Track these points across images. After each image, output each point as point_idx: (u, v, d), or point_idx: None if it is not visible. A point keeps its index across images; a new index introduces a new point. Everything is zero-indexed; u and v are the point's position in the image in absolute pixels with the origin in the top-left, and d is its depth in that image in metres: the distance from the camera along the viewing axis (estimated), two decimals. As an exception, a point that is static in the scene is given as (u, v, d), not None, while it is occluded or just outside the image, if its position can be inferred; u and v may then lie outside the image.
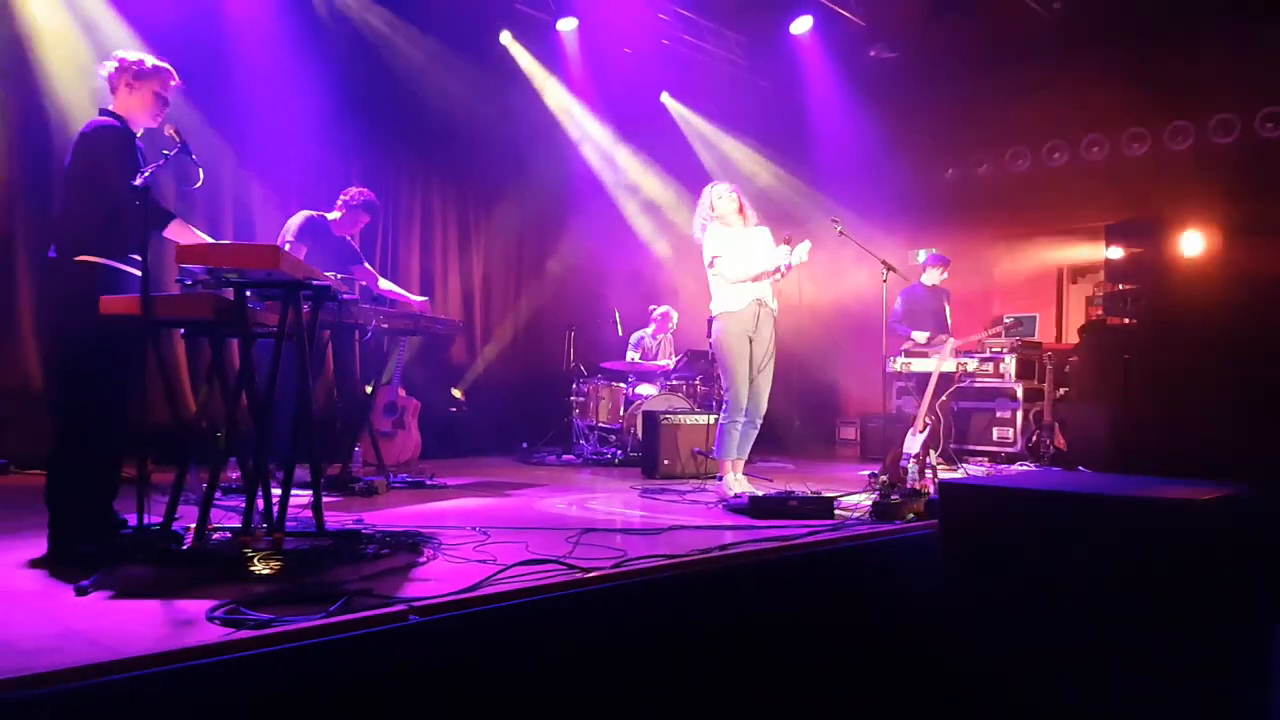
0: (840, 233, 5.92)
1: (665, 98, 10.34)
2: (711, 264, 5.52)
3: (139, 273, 3.30)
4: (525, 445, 8.55)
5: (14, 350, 5.63)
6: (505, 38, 8.97)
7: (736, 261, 5.46)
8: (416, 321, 5.99)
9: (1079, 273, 9.85)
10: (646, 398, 7.87)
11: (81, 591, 2.76)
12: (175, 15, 6.19)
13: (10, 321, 5.66)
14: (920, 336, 7.84)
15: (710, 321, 5.71)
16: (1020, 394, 7.91)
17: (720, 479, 5.49)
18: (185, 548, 3.30)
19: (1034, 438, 7.85)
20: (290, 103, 7.11)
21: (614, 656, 2.95)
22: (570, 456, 8.04)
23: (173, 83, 3.72)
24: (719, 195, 5.60)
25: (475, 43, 8.75)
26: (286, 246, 5.31)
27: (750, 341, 5.46)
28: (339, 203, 5.85)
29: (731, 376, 5.46)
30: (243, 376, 3.56)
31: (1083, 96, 9.09)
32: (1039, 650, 3.34)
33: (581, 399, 8.27)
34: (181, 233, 3.71)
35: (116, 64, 3.65)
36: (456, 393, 7.98)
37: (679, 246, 10.24)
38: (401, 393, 6.52)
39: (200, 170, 3.49)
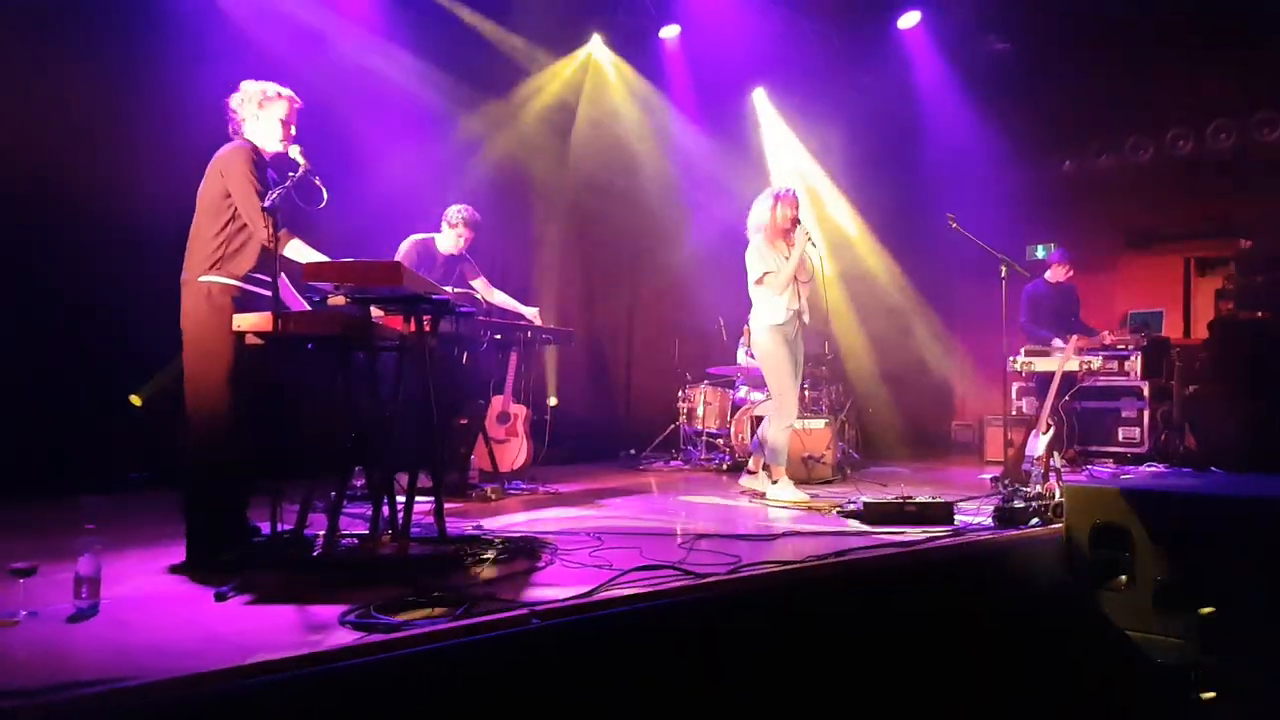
0: (955, 228, 5.80)
1: (757, 95, 10.26)
2: (761, 280, 5.61)
3: (267, 292, 3.44)
4: (633, 451, 8.59)
5: (150, 368, 5.96)
6: (596, 43, 9.02)
7: (781, 274, 5.56)
8: (527, 331, 6.09)
9: (1207, 265, 9.36)
10: (754, 402, 7.82)
11: (221, 597, 2.89)
12: (291, 44, 6.45)
13: (143, 340, 6.00)
14: (1058, 343, 7.55)
15: (750, 332, 5.89)
16: (1147, 393, 7.59)
17: (775, 483, 5.59)
18: (316, 554, 3.43)
19: (1162, 437, 7.51)
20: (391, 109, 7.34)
21: (731, 661, 2.94)
22: (678, 462, 8.05)
23: (295, 107, 3.87)
24: (785, 204, 5.64)
25: (571, 47, 8.90)
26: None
27: (789, 348, 5.62)
28: (443, 223, 5.96)
29: (783, 386, 5.63)
30: (368, 388, 3.68)
31: (1206, 81, 8.66)
32: (1187, 654, 3.20)
33: (688, 405, 8.26)
34: (300, 252, 3.86)
35: (242, 93, 3.82)
36: (552, 401, 8.06)
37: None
38: (513, 401, 6.64)
39: (324, 191, 3.62)
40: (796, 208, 5.68)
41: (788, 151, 10.30)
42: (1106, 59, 9.01)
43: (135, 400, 5.95)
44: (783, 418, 5.59)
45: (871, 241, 10.29)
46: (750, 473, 5.91)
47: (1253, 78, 8.35)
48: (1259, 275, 7.69)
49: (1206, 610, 3.15)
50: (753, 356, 8.59)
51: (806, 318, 5.75)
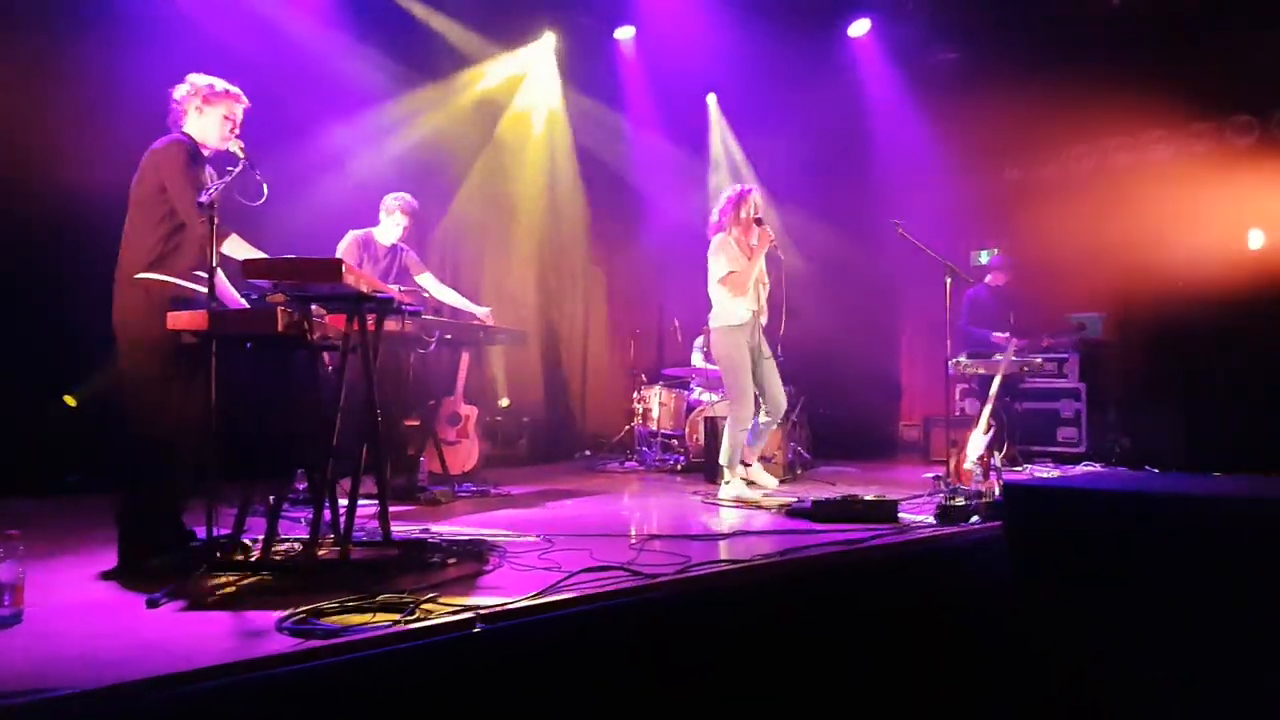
0: (901, 234, 5.86)
1: (710, 100, 10.30)
2: (723, 280, 5.58)
3: (204, 289, 3.36)
4: (587, 453, 8.57)
5: (83, 368, 5.81)
6: (549, 40, 8.97)
7: (744, 275, 5.56)
8: (479, 331, 6.03)
9: (1144, 271, 9.56)
10: (708, 403, 7.84)
11: (153, 604, 2.81)
12: (237, 32, 6.32)
13: (78, 340, 5.85)
14: (999, 336, 7.63)
15: (708, 333, 5.84)
16: (1084, 394, 7.75)
17: (727, 483, 5.59)
18: (254, 559, 3.36)
19: (1100, 438, 7.67)
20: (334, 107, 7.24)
21: (679, 662, 2.93)
22: (633, 463, 8.04)
23: (240, 105, 3.78)
24: (750, 203, 5.63)
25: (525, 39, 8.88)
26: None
27: (749, 350, 5.61)
28: (380, 213, 5.87)
29: (739, 387, 5.59)
30: (309, 389, 3.61)
31: (1146, 93, 8.86)
32: (1108, 653, 3.24)
33: (644, 406, 8.26)
34: (238, 249, 3.78)
35: (189, 86, 3.73)
36: (504, 402, 8.00)
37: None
38: (464, 402, 6.58)
39: (265, 186, 3.54)
40: (758, 207, 5.65)
41: (739, 155, 10.36)
42: (1051, 70, 9.18)
43: (69, 401, 5.80)
44: (738, 420, 5.59)
45: (821, 246, 10.38)
46: (745, 463, 5.81)
47: (1189, 90, 8.56)
48: (1194, 282, 7.87)
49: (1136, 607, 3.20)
50: (708, 358, 8.64)
51: (765, 319, 5.75)
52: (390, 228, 5.82)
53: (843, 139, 10.05)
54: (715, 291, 5.67)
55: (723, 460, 5.68)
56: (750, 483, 5.72)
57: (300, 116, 6.84)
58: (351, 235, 5.80)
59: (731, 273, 5.55)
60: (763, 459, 6.66)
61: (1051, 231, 9.74)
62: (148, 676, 2.10)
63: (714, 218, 5.75)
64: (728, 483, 5.60)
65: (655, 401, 8.19)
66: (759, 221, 5.62)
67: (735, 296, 5.58)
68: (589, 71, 9.23)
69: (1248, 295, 7.22)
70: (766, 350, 5.74)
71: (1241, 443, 6.63)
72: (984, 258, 9.05)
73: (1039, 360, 7.32)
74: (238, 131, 3.74)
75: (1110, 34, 8.58)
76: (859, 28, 9.28)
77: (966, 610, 3.75)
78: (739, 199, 5.65)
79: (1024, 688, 3.46)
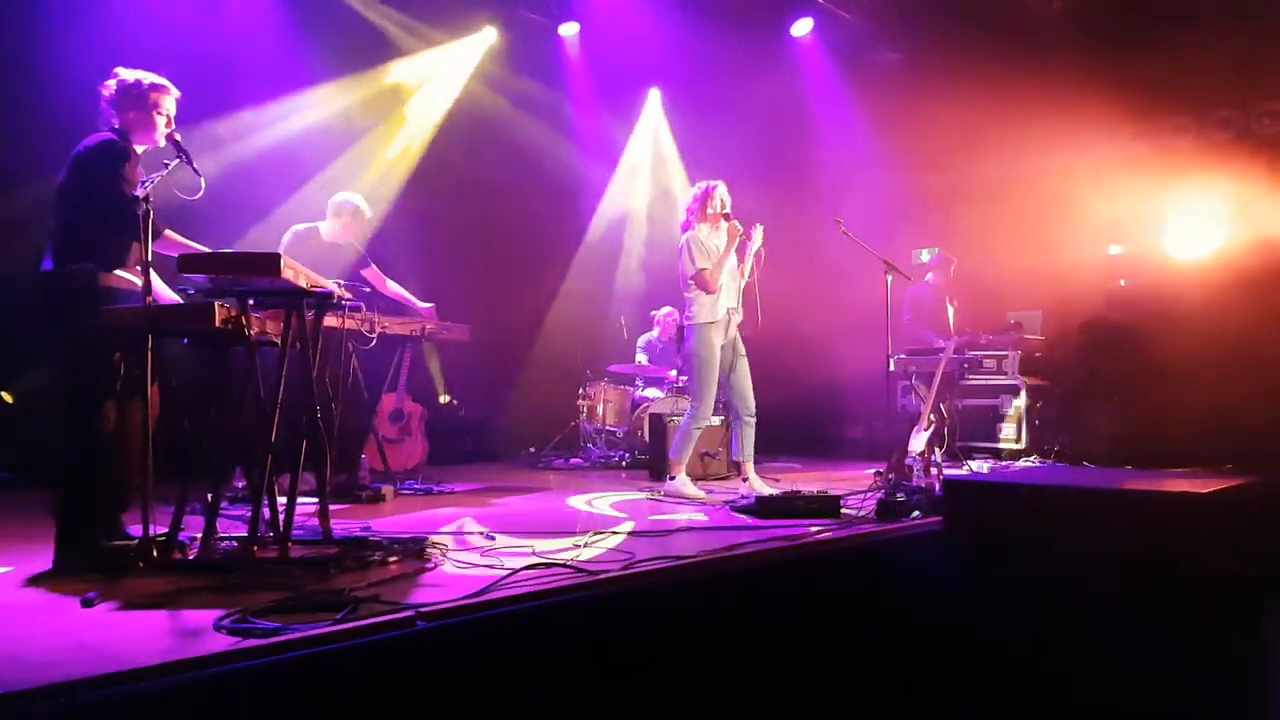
0: (843, 232, 5.92)
1: (653, 96, 10.33)
2: (697, 276, 5.53)
3: (138, 284, 3.30)
4: (533, 450, 8.56)
5: (18, 365, 5.67)
6: (489, 34, 8.92)
7: (717, 270, 5.52)
8: (422, 327, 5.99)
9: (1081, 269, 9.80)
10: (653, 400, 7.87)
11: (88, 603, 2.76)
12: (177, 24, 6.21)
13: (13, 337, 5.72)
14: (942, 343, 7.74)
15: (683, 329, 5.81)
16: (1024, 391, 7.91)
17: (673, 479, 5.60)
18: (192, 558, 3.32)
19: (1037, 434, 7.84)
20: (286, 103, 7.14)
21: (623, 659, 2.94)
22: (578, 460, 8.04)
23: (171, 98, 3.71)
24: (716, 198, 5.59)
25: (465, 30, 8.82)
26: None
27: (722, 349, 5.60)
28: (328, 209, 5.83)
29: (705, 385, 5.58)
30: (247, 386, 3.56)
31: (1083, 95, 9.07)
32: (1045, 643, 3.33)
33: (589, 402, 8.27)
34: (174, 245, 3.72)
35: (116, 83, 3.65)
36: (444, 398, 7.95)
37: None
38: (407, 399, 6.53)
39: (202, 180, 3.49)
40: (724, 202, 5.60)
41: (682, 152, 10.41)
42: (991, 71, 9.35)
43: (6, 397, 5.66)
44: (698, 417, 5.57)
45: (764, 243, 10.45)
46: (745, 479, 5.74)
47: (1128, 93, 8.78)
48: (1128, 279, 8.08)
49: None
50: (651, 355, 8.68)
51: (739, 316, 5.70)
52: (336, 225, 5.78)
53: (785, 137, 10.16)
54: (688, 290, 5.62)
55: (671, 454, 5.67)
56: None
57: (234, 106, 6.73)
58: (294, 230, 5.74)
59: (701, 270, 5.51)
60: (707, 455, 6.73)
61: (991, 230, 9.94)
62: (81, 677, 2.06)
63: (681, 215, 5.70)
64: (672, 478, 5.61)
65: (600, 398, 8.20)
66: (727, 216, 5.56)
67: (707, 294, 5.53)
68: (533, 66, 9.19)
69: (1182, 294, 7.43)
70: (741, 349, 5.72)
71: (1176, 439, 6.82)
72: (924, 256, 9.19)
73: (978, 357, 7.46)
74: (172, 125, 3.67)
75: (1050, 36, 8.77)
76: (802, 27, 9.36)
77: (908, 603, 3.82)
78: (705, 195, 5.61)
79: (964, 678, 3.54)
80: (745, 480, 5.62)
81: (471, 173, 9.16)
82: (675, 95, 10.32)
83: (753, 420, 5.70)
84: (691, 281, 5.57)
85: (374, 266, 5.94)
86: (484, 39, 8.85)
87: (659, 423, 6.83)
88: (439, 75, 8.71)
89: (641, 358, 8.69)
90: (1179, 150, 8.67)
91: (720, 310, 5.56)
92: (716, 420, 6.96)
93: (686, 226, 5.67)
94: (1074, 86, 9.08)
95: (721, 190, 5.64)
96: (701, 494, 5.53)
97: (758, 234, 5.59)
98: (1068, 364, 8.00)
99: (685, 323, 5.71)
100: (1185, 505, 3.17)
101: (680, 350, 8.69)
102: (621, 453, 7.97)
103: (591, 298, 10.04)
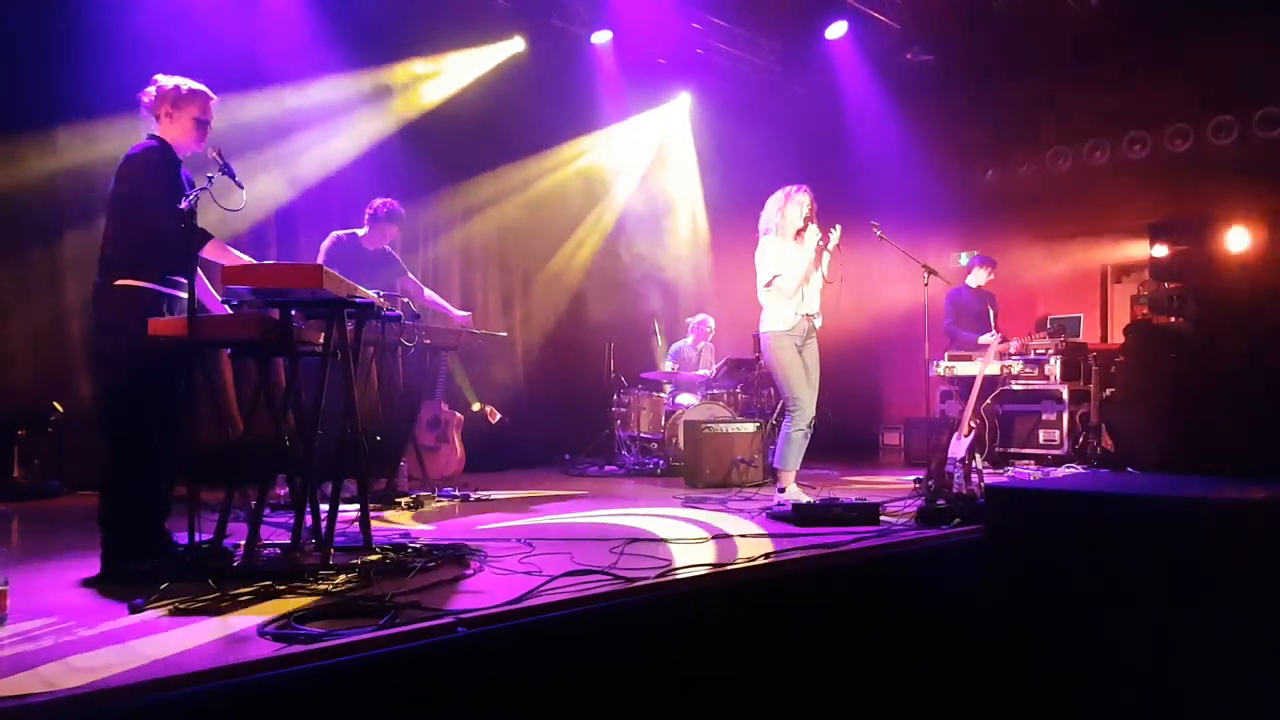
0: (880, 236, 5.87)
1: (684, 101, 10.33)
2: (770, 283, 5.42)
3: (184, 295, 3.35)
4: (568, 457, 8.58)
5: (69, 375, 5.80)
6: (523, 43, 8.96)
7: (793, 277, 5.38)
8: (459, 336, 6.03)
9: (1123, 272, 9.69)
10: (687, 407, 7.86)
11: (135, 609, 2.80)
12: (216, 31, 6.31)
13: (66, 346, 5.85)
14: (986, 338, 7.63)
15: (758, 338, 5.63)
16: (1066, 396, 7.80)
17: (782, 489, 5.42)
18: (236, 564, 3.36)
19: (1080, 440, 7.73)
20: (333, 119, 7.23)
21: (661, 665, 2.94)
22: (613, 468, 8.05)
23: (212, 104, 3.75)
24: (797, 204, 5.46)
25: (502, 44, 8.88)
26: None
27: (800, 353, 5.45)
28: (366, 216, 5.88)
29: (796, 386, 5.41)
30: (289, 394, 3.61)
31: (1123, 94, 8.96)
32: (1088, 655, 3.28)
33: (623, 410, 8.27)
34: (219, 253, 3.76)
35: (155, 90, 3.68)
36: (476, 406, 7.98)
37: (718, 254, 10.28)
38: (444, 407, 6.57)
39: (243, 192, 3.54)
40: (808, 207, 5.47)
41: (716, 157, 10.41)
42: (1027, 72, 9.27)
43: (56, 406, 5.77)
44: (798, 421, 5.40)
45: (840, 242, 10.43)
46: (782, 488, 5.55)
47: (1167, 92, 8.66)
48: (1173, 281, 7.95)
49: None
50: (676, 364, 8.67)
51: (819, 322, 5.56)
52: (375, 232, 5.83)
53: (821, 141, 10.12)
54: (763, 295, 5.50)
55: (778, 464, 5.47)
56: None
57: (272, 116, 6.83)
58: (334, 236, 5.80)
59: (777, 276, 5.39)
60: (742, 461, 6.70)
61: (1031, 232, 9.84)
62: (130, 682, 2.10)
63: (762, 220, 5.57)
64: (782, 489, 5.43)
65: (634, 405, 8.21)
66: (810, 221, 5.45)
67: (785, 300, 5.42)
68: (564, 75, 9.23)
69: (1229, 296, 7.29)
70: (814, 358, 5.56)
71: (1224, 445, 6.70)
72: (963, 259, 9.11)
73: (1020, 362, 7.38)
74: (210, 130, 3.71)
75: (1088, 35, 8.66)
76: (836, 30, 9.32)
77: (948, 612, 3.78)
78: (787, 199, 5.49)
79: (1005, 689, 3.49)
80: (782, 489, 5.50)
81: (506, 181, 9.21)
82: (709, 101, 10.32)
83: (808, 432, 5.49)
84: (765, 287, 5.46)
85: (411, 275, 5.99)
86: (512, 46, 8.89)
87: (693, 430, 6.82)
88: (473, 82, 8.74)
89: (672, 365, 8.69)
90: (1223, 148, 8.52)
91: (796, 317, 5.42)
92: (752, 426, 6.95)
93: (766, 231, 5.53)
94: (1114, 85, 8.98)
95: (804, 196, 5.51)
96: (807, 497, 5.33)
97: (835, 234, 5.44)
98: (1111, 368, 7.88)
99: (761, 329, 5.55)
100: (1242, 512, 3.10)
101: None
102: (656, 460, 7.97)
103: (626, 304, 10.05)
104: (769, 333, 5.47)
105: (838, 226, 5.47)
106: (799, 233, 5.44)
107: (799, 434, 5.42)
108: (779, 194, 5.55)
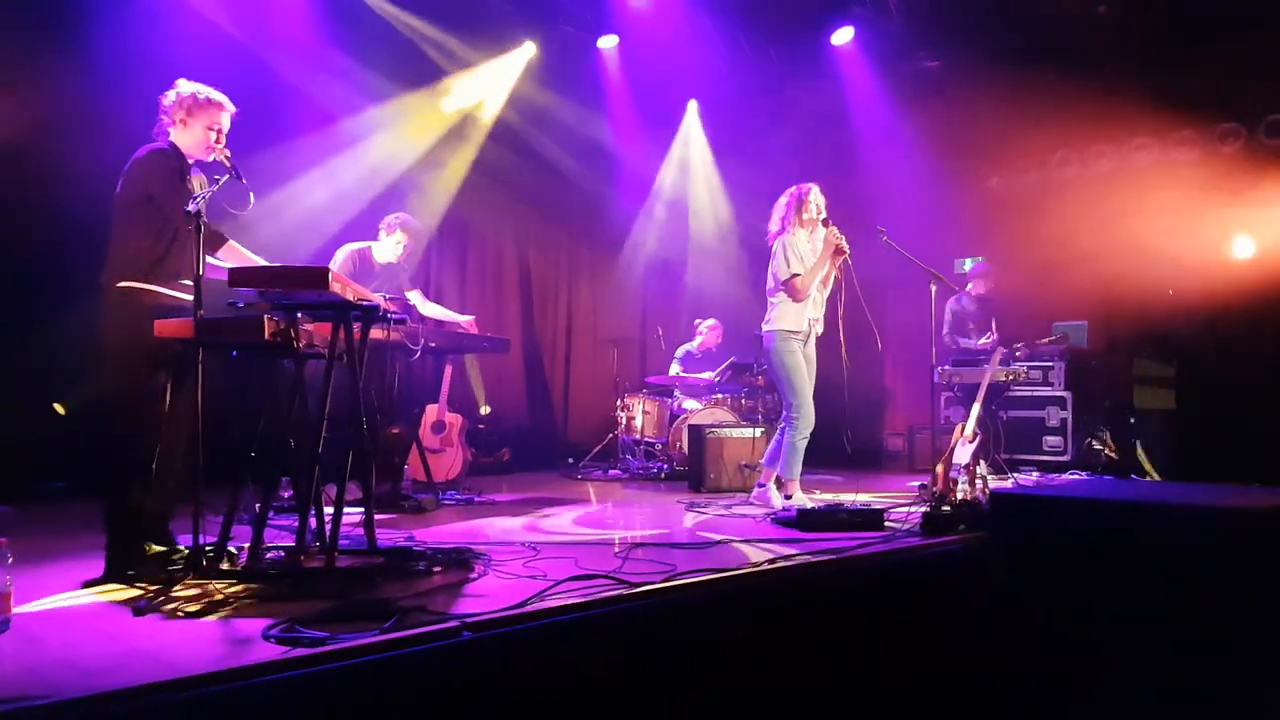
0: (885, 241, 5.87)
1: (692, 108, 10.33)
2: (790, 281, 5.37)
3: (189, 297, 3.35)
4: (571, 461, 8.57)
5: (72, 376, 5.79)
6: (528, 49, 8.95)
7: (810, 276, 5.36)
8: (464, 339, 6.03)
9: (1128, 278, 9.64)
10: (691, 412, 7.85)
11: (139, 611, 2.80)
12: (230, 39, 6.32)
13: (69, 348, 5.84)
14: (986, 341, 7.61)
15: (762, 338, 5.61)
16: (1070, 402, 7.79)
17: (789, 497, 5.44)
18: (240, 567, 3.35)
19: (1085, 446, 7.72)
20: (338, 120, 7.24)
21: (665, 670, 2.93)
22: (617, 471, 8.05)
23: (227, 114, 3.76)
24: (810, 202, 5.42)
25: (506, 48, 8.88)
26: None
27: (804, 358, 5.46)
28: (380, 230, 5.85)
29: (799, 393, 5.42)
30: (294, 397, 3.61)
31: (1129, 100, 8.94)
32: (1095, 663, 3.26)
33: (627, 414, 8.27)
34: (233, 256, 3.77)
35: (175, 94, 3.69)
36: (485, 409, 7.97)
37: (723, 258, 10.27)
38: (448, 410, 6.57)
39: (251, 195, 3.54)
40: (820, 205, 5.45)
41: (720, 163, 10.41)
42: (1032, 77, 9.25)
43: (59, 408, 5.77)
44: (799, 428, 5.39)
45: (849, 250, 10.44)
46: (761, 485, 5.69)
47: (1174, 97, 8.65)
48: (1175, 288, 7.95)
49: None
50: (684, 368, 8.66)
51: (820, 328, 5.57)
52: (390, 245, 5.77)
53: (826, 146, 10.11)
54: (774, 295, 5.48)
55: (782, 473, 5.46)
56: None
57: (284, 126, 6.83)
58: (347, 249, 5.77)
59: (795, 275, 5.35)
60: (745, 466, 6.69)
61: (1034, 238, 9.82)
62: (133, 684, 2.09)
63: (773, 223, 5.53)
64: (789, 496, 5.43)
65: (638, 410, 8.20)
66: (825, 222, 5.43)
67: (796, 301, 5.38)
68: (570, 80, 9.24)
69: (1233, 303, 7.29)
70: (813, 363, 5.57)
71: (1227, 451, 6.69)
72: (967, 265, 9.10)
73: (1024, 368, 7.37)
74: (223, 141, 3.72)
75: (1093, 40, 8.65)
76: (842, 35, 9.33)
77: (954, 619, 3.77)
78: (799, 197, 5.44)
79: (1011, 696, 3.48)
80: (788, 496, 5.51)
81: (510, 185, 9.22)
82: (714, 106, 10.32)
83: (807, 438, 5.52)
84: (782, 288, 5.42)
85: (419, 290, 5.98)
86: (524, 53, 8.89)
87: (698, 435, 6.81)
88: (480, 91, 8.75)
89: (676, 368, 8.68)
90: (1228, 156, 8.51)
91: (803, 320, 5.43)
92: (757, 431, 6.93)
93: (781, 231, 5.48)
94: (1119, 91, 8.96)
95: (815, 193, 5.48)
96: (809, 502, 5.37)
97: (829, 239, 5.43)
98: (1116, 375, 7.87)
99: (765, 328, 5.52)
100: (1250, 520, 3.09)
101: (760, 359, 8.65)
102: (660, 464, 7.96)
103: (629, 308, 10.06)
104: (776, 332, 5.44)
105: (835, 231, 5.41)
106: (813, 231, 5.42)
107: (801, 441, 5.42)
108: (789, 192, 5.52)
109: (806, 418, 5.43)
